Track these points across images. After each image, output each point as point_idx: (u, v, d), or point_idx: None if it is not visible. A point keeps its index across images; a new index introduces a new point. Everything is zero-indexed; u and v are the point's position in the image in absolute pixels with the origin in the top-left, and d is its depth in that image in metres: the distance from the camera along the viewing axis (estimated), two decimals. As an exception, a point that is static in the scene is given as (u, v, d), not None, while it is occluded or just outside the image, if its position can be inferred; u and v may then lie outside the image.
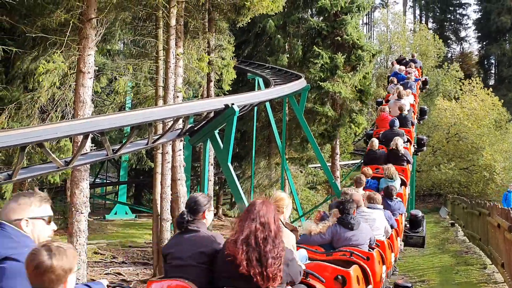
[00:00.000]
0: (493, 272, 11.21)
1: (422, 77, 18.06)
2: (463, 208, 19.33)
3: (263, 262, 2.96)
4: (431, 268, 13.74)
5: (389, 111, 12.27)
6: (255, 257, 2.96)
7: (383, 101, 14.46)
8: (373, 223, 6.04)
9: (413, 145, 11.64)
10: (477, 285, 10.66)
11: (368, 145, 10.55)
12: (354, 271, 4.12)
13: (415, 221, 9.74)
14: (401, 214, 7.92)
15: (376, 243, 5.02)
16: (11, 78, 14.41)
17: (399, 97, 12.63)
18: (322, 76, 19.62)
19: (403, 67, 16.81)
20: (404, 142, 10.36)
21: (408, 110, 11.97)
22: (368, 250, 5.19)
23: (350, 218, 5.19)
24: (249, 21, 16.05)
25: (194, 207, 3.58)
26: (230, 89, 17.38)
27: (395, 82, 15.18)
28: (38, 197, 2.66)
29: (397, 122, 10.84)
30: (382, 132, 11.10)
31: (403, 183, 9.24)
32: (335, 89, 19.39)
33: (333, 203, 6.06)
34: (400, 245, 7.43)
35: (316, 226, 5.37)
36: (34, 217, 2.59)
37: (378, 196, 6.82)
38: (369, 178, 8.87)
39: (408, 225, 9.97)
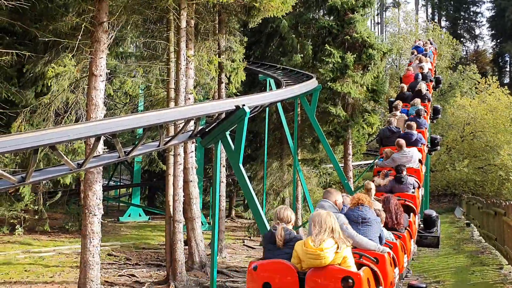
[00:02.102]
0: (510, 272, 11.04)
1: (436, 56, 21.40)
2: (479, 208, 19.09)
3: (398, 219, 6.77)
4: (446, 269, 13.57)
5: (413, 71, 15.46)
6: (394, 217, 6.74)
7: (407, 68, 17.19)
8: (411, 159, 9.35)
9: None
10: (493, 285, 10.49)
11: (400, 89, 14.16)
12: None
13: (430, 221, 9.60)
14: (421, 164, 9.90)
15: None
16: (25, 82, 14.60)
17: (420, 61, 16.19)
18: (332, 76, 19.50)
19: (421, 42, 20.62)
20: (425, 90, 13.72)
21: (427, 71, 15.27)
22: (412, 192, 8.56)
23: (401, 177, 8.52)
24: (260, 22, 16.02)
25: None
26: (236, 91, 17.39)
27: (416, 53, 18.48)
28: None
29: (420, 76, 14.37)
30: (409, 83, 14.30)
31: (424, 111, 12.37)
32: (344, 89, 19.25)
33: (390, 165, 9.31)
34: (414, 247, 8.03)
35: (383, 181, 8.80)
36: None
37: (414, 125, 10.53)
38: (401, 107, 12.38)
39: (422, 225, 9.86)
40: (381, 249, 5.20)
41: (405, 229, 6.94)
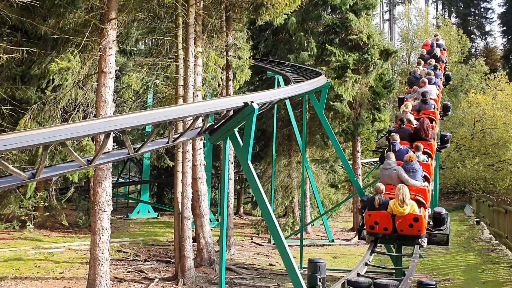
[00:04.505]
0: (521, 270, 10.94)
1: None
2: (489, 205, 18.93)
3: (427, 133, 10.90)
4: (456, 267, 13.49)
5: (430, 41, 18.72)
6: (426, 131, 10.89)
7: (426, 40, 20.29)
8: (431, 92, 12.84)
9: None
10: (504, 284, 10.42)
11: (420, 53, 17.69)
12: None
13: (439, 219, 9.54)
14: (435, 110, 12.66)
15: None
16: (31, 79, 14.69)
17: (435, 36, 19.49)
18: (334, 75, 19.42)
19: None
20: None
21: (441, 43, 18.47)
22: (433, 109, 12.28)
23: (426, 99, 12.32)
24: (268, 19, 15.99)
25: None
26: (242, 89, 17.34)
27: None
28: None
29: (435, 44, 17.63)
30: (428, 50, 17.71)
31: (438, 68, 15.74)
32: (339, 90, 19.15)
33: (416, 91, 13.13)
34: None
35: (413, 102, 12.53)
36: None
37: (432, 72, 14.20)
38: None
39: (431, 223, 9.80)
40: (423, 185, 9.42)
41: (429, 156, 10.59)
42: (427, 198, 9.27)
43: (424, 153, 10.40)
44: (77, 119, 13.15)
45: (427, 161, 10.25)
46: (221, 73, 16.90)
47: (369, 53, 19.74)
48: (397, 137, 10.71)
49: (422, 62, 15.95)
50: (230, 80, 17.16)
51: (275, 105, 17.69)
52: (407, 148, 10.39)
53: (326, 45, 19.91)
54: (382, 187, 9.10)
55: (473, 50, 53.15)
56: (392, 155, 9.80)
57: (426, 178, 9.74)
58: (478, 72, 38.71)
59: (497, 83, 34.90)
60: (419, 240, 8.82)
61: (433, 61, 15.88)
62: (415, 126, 11.38)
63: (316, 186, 21.04)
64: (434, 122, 11.90)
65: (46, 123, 12.82)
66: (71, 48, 10.91)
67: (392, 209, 8.68)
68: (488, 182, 31.16)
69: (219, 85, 17.65)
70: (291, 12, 16.44)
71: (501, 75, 35.42)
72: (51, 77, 10.38)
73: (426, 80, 13.33)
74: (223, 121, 9.06)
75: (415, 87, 13.57)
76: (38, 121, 12.92)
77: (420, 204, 8.98)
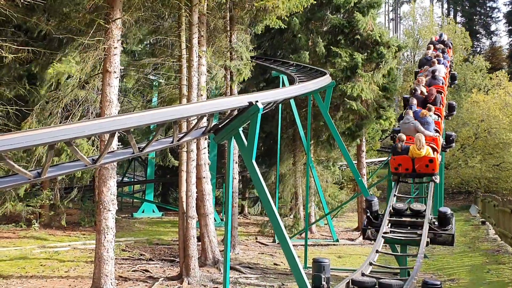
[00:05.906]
0: (526, 271, 10.88)
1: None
2: (494, 205, 18.85)
3: (434, 99, 13.00)
4: (461, 267, 13.45)
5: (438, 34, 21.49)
6: (433, 98, 12.99)
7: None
8: (440, 70, 14.75)
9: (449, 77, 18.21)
10: (509, 284, 10.38)
11: (430, 39, 20.23)
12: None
13: (444, 219, 9.50)
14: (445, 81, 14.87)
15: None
16: (36, 78, 14.71)
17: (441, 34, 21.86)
18: (342, 76, 19.36)
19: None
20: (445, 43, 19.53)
21: (447, 38, 20.97)
22: (442, 84, 14.15)
23: (436, 75, 14.26)
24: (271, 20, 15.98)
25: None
26: (243, 89, 17.27)
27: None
28: None
29: (443, 33, 20.42)
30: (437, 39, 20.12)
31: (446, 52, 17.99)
32: (355, 92, 19.15)
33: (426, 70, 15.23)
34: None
35: (425, 78, 14.28)
36: None
37: (441, 54, 16.42)
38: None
39: (436, 223, 9.76)
40: (436, 135, 11.31)
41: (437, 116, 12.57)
42: (438, 145, 11.25)
43: (434, 114, 12.43)
44: (79, 118, 13.16)
45: (437, 119, 12.32)
46: (224, 73, 16.90)
47: (380, 51, 19.76)
48: (414, 100, 12.75)
49: (432, 47, 17.96)
50: (234, 79, 17.15)
51: (280, 105, 17.67)
52: (420, 110, 12.18)
53: (332, 47, 19.88)
54: (403, 136, 10.96)
55: (478, 49, 52.88)
56: (410, 112, 11.82)
57: (436, 131, 11.69)
58: (480, 69, 38.55)
59: (499, 81, 34.73)
60: (433, 177, 10.79)
61: (441, 46, 18.12)
62: (425, 95, 13.44)
63: (320, 186, 21.01)
64: (442, 94, 13.97)
65: (48, 121, 12.84)
66: (75, 48, 10.92)
67: (412, 153, 10.56)
68: (492, 182, 31.03)
69: (219, 87, 17.65)
70: (291, 14, 16.43)
71: (502, 74, 35.25)
72: (49, 79, 10.41)
73: (435, 61, 15.44)
74: (227, 120, 9.07)
75: (426, 66, 15.65)
76: (40, 119, 12.94)
77: (433, 150, 10.87)
